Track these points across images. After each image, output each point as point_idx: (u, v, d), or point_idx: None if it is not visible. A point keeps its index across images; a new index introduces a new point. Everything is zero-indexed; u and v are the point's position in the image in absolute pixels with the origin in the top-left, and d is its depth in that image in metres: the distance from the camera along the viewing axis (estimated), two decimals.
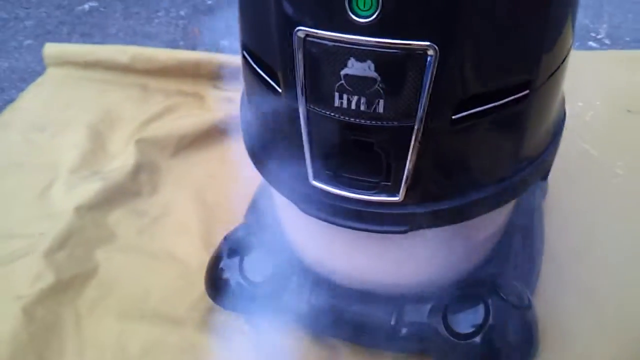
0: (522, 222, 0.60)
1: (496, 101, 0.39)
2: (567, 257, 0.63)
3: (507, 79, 0.39)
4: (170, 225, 0.70)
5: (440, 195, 0.42)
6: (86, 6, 1.27)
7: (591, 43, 1.04)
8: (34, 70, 1.08)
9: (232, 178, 0.75)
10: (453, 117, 0.38)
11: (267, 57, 0.42)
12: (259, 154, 0.49)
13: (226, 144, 0.81)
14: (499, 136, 0.41)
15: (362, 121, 0.39)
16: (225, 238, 0.59)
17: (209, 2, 1.27)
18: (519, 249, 0.59)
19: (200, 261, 0.61)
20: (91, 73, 0.97)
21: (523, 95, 0.40)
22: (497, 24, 0.36)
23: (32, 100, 0.93)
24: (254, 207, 0.66)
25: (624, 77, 0.87)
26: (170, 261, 0.66)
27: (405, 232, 0.43)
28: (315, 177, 0.43)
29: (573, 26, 0.43)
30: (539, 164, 0.46)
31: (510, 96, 0.39)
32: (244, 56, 0.46)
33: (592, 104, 0.81)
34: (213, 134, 0.82)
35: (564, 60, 0.43)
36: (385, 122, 0.38)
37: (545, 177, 0.50)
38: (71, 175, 0.77)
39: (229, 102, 0.87)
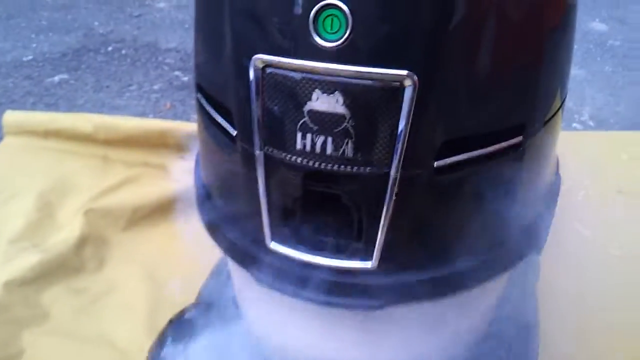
0: (514, 306, 0.53)
1: (486, 147, 0.33)
2: (563, 345, 0.55)
3: (499, 120, 0.33)
4: (113, 305, 0.61)
5: (422, 263, 0.35)
6: (56, 78, 1.23)
7: (575, 125, 1.02)
8: None
9: (188, 256, 0.67)
10: (435, 164, 0.32)
11: (220, 94, 0.36)
12: (211, 215, 0.42)
13: (185, 218, 0.73)
14: (489, 192, 0.35)
15: (329, 167, 0.32)
16: (171, 321, 0.51)
17: (184, 78, 1.24)
18: (511, 337, 0.51)
19: (141, 348, 0.52)
20: (50, 142, 0.92)
21: (516, 143, 0.34)
22: (489, 50, 0.31)
23: None
24: (208, 287, 0.58)
25: (612, 158, 0.84)
26: (107, 347, 0.56)
27: (378, 307, 0.36)
28: (274, 238, 0.36)
29: (568, 74, 0.39)
30: (534, 231, 0.39)
31: (502, 142, 0.34)
32: (197, 100, 0.40)
33: (582, 183, 0.77)
34: (171, 207, 0.75)
35: (559, 109, 0.38)
36: (355, 168, 0.32)
37: (539, 249, 0.44)
38: (9, 247, 0.68)
39: None
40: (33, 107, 1.11)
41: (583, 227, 0.71)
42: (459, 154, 0.33)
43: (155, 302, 0.61)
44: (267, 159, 0.34)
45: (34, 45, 1.41)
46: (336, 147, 0.32)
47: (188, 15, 1.62)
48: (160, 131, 0.86)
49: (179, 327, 0.49)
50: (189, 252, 0.67)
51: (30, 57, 1.33)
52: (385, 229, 0.33)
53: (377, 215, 0.33)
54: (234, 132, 0.35)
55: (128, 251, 0.69)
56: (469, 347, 0.47)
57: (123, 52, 1.39)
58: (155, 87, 1.21)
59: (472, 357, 0.47)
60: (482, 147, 0.33)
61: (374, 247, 0.34)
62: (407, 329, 0.40)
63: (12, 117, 0.95)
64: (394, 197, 0.32)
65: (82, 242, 0.67)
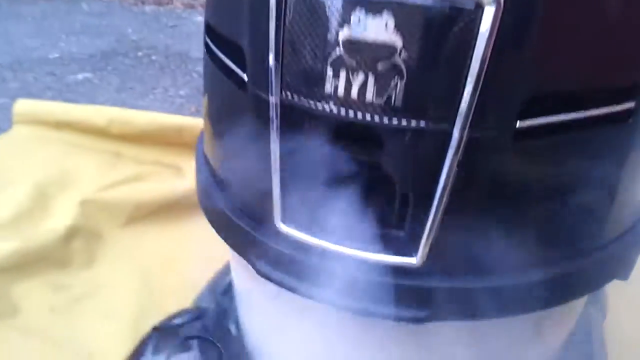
0: (579, 349, 0.42)
1: (585, 109, 0.24)
2: None
3: (607, 74, 0.24)
4: (96, 307, 0.53)
5: (488, 264, 0.26)
6: (79, 76, 1.18)
7: None
8: (0, 128, 0.95)
9: (189, 259, 0.58)
10: (518, 124, 0.23)
11: (232, 27, 0.28)
12: (207, 185, 0.33)
13: (192, 219, 0.65)
14: (585, 172, 0.26)
15: (367, 119, 0.24)
16: (155, 328, 0.42)
17: None
18: None
19: (118, 358, 0.43)
20: (61, 134, 0.85)
21: (625, 111, 0.25)
22: None
23: None
24: (203, 295, 0.49)
25: None
26: (81, 354, 0.47)
27: (422, 321, 0.26)
28: (285, 217, 0.27)
29: None
30: (633, 239, 0.29)
31: (607, 105, 0.24)
32: (205, 46, 0.32)
33: None
34: (178, 208, 0.67)
35: None
36: (404, 122, 0.23)
37: (627, 274, 0.34)
38: None
39: None
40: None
41: None
42: (550, 114, 0.24)
43: (143, 308, 0.52)
44: (285, 108, 0.25)
45: (63, 44, 1.37)
46: (380, 91, 0.23)
47: None
48: (177, 127, 0.79)
49: (164, 335, 0.40)
50: (190, 257, 0.59)
51: (57, 55, 1.29)
52: (438, 211, 0.24)
53: (429, 192, 0.24)
54: (246, 76, 0.27)
55: (123, 250, 0.60)
56: None
57: (153, 57, 1.35)
58: (182, 92, 1.15)
59: None
60: (580, 109, 0.24)
61: (422, 236, 0.25)
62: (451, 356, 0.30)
63: (24, 105, 0.89)
64: (455, 167, 0.23)
65: (72, 234, 0.59)
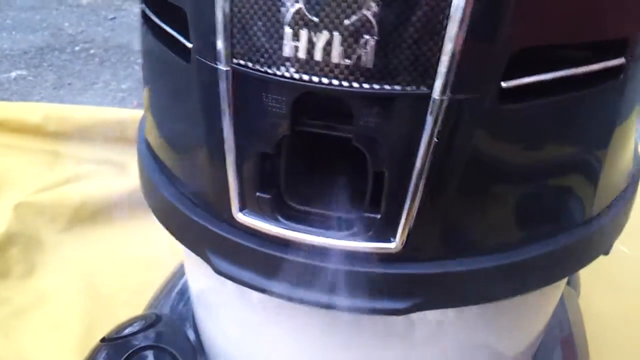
0: (560, 331, 0.41)
1: (573, 66, 0.22)
2: None
3: (596, 27, 0.22)
4: (39, 320, 0.48)
5: (474, 244, 0.23)
6: (12, 74, 1.10)
7: None
8: None
9: (138, 263, 0.54)
10: (503, 84, 0.20)
11: None
12: (155, 178, 0.29)
13: (138, 220, 0.60)
14: (575, 136, 0.23)
15: (334, 84, 0.20)
16: (104, 340, 0.37)
17: None
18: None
19: None
20: None
21: (615, 67, 0.23)
22: None
23: None
24: (159, 298, 0.44)
25: None
26: None
27: (402, 312, 0.23)
28: (244, 206, 0.24)
29: None
30: (620, 210, 0.27)
31: (597, 62, 0.22)
32: (142, 14, 0.28)
33: None
34: (123, 207, 0.62)
35: None
36: (376, 87, 0.20)
37: (609, 248, 0.32)
38: None
39: None
40: None
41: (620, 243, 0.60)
42: (536, 73, 0.21)
43: (91, 318, 0.48)
44: (237, 77, 0.22)
45: None
46: (347, 52, 0.20)
47: None
48: (119, 122, 0.74)
49: (114, 347, 0.36)
50: (139, 261, 0.55)
51: None
52: (417, 189, 0.21)
53: (406, 168, 0.21)
54: (190, 43, 0.23)
55: (65, 256, 0.55)
56: None
57: (91, 52, 1.28)
58: (124, 86, 1.09)
59: None
60: (567, 67, 0.21)
61: (400, 217, 0.22)
62: (437, 348, 0.27)
63: None
64: (434, 138, 0.21)
65: (7, 242, 0.54)
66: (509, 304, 0.27)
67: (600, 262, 0.60)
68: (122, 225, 0.60)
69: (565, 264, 0.25)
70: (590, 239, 0.26)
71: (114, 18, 1.53)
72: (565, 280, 0.35)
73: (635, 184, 0.30)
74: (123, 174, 0.71)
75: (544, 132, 0.22)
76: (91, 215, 0.60)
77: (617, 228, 0.28)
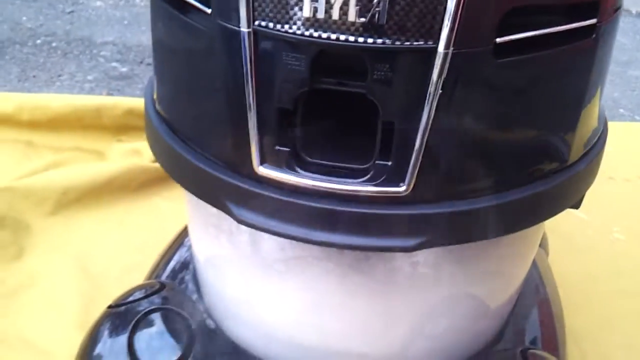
0: (535, 288, 0.44)
1: (555, 25, 0.25)
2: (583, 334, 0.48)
3: None
4: (34, 300, 0.49)
5: (479, 185, 0.26)
6: None
7: None
8: None
9: (128, 245, 0.55)
10: (498, 40, 0.23)
11: None
12: (169, 137, 0.31)
13: (124, 202, 0.61)
14: (557, 87, 0.26)
15: (351, 41, 0.23)
16: (111, 307, 0.39)
17: (123, 69, 1.11)
18: (535, 319, 0.42)
19: (70, 349, 0.40)
20: None
21: (589, 26, 0.26)
22: None
23: None
24: (159, 268, 0.46)
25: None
26: (26, 350, 0.43)
27: (410, 249, 0.26)
28: (265, 160, 0.26)
29: None
30: (593, 159, 0.31)
31: (574, 21, 0.25)
32: None
33: None
34: (108, 189, 0.63)
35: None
36: (389, 42, 0.23)
37: (578, 203, 0.35)
38: None
39: (134, 154, 0.69)
40: None
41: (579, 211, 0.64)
42: (524, 30, 0.24)
43: (86, 295, 0.49)
44: (258, 38, 0.24)
45: None
46: (362, 10, 0.22)
47: (127, 12, 1.50)
48: (94, 109, 0.73)
49: (121, 313, 0.37)
50: (129, 240, 0.56)
51: None
52: (425, 135, 0.24)
53: (415, 116, 0.24)
54: (208, 9, 0.25)
55: (55, 239, 0.56)
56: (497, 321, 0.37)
57: (53, 44, 1.26)
58: (90, 77, 1.08)
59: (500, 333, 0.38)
60: (550, 25, 0.24)
61: (409, 162, 0.24)
62: (435, 287, 0.30)
63: None
64: (440, 88, 0.23)
65: None
66: (495, 248, 0.31)
67: (563, 228, 0.64)
68: (107, 210, 0.60)
69: (553, 204, 0.29)
70: (570, 183, 0.29)
71: (72, 12, 1.50)
72: (541, 233, 0.39)
73: (603, 141, 0.33)
74: (101, 160, 0.71)
75: (531, 83, 0.25)
76: (76, 199, 0.60)
77: (591, 175, 0.31)
